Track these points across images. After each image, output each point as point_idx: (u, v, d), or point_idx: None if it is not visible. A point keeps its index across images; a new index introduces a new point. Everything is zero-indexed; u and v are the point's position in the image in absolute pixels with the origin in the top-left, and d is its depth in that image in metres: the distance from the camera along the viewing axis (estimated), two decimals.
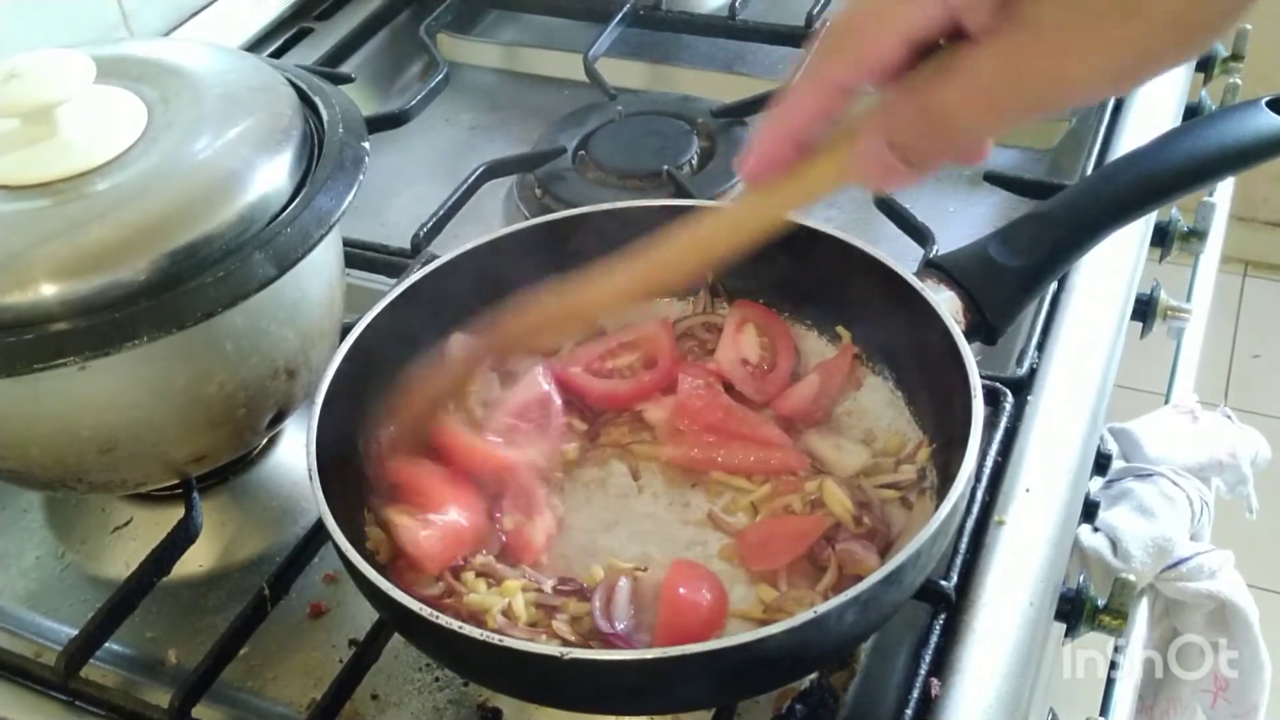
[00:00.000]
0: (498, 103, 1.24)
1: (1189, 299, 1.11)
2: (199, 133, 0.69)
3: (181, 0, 1.19)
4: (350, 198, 0.70)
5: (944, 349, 0.69)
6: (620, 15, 1.20)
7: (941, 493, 0.65)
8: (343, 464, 0.70)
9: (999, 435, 0.76)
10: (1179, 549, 0.96)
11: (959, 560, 0.69)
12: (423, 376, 0.72)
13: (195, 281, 0.64)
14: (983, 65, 0.48)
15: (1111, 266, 0.91)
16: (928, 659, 0.65)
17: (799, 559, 0.68)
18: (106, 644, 0.70)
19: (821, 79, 0.53)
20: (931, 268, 0.74)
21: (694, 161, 1.06)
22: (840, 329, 0.79)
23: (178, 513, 0.75)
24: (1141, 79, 0.49)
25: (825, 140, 0.55)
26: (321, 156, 0.72)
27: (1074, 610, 0.77)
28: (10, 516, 0.83)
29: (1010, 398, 0.78)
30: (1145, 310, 1.00)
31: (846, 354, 0.78)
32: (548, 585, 0.66)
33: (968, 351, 0.67)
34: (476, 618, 0.63)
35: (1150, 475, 0.99)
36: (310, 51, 1.23)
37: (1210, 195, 1.13)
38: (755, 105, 1.09)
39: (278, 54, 1.24)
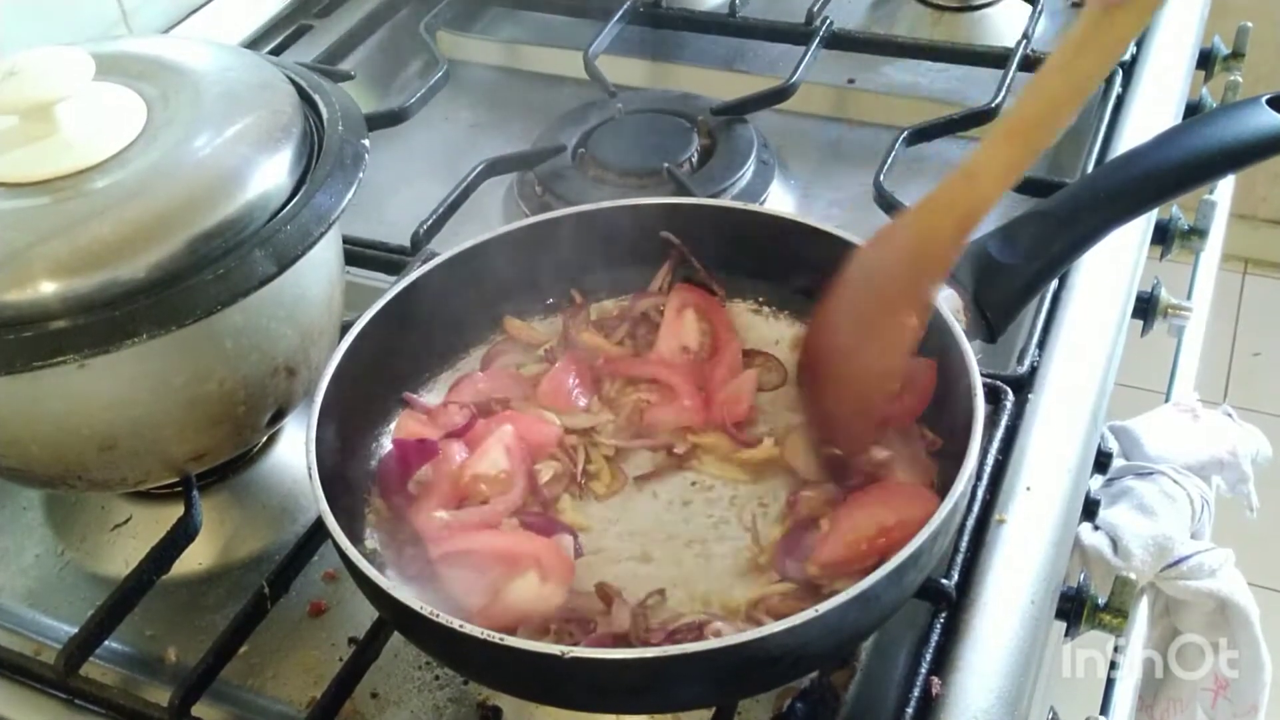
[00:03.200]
0: (498, 100, 1.24)
1: (1189, 297, 1.11)
2: (198, 130, 0.69)
3: None
4: (350, 195, 0.70)
5: (944, 347, 0.69)
6: (620, 12, 1.20)
7: (942, 491, 0.65)
8: (343, 462, 0.70)
9: (1000, 434, 0.76)
10: (1179, 547, 0.95)
11: (960, 559, 0.69)
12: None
13: (195, 279, 0.64)
14: None
15: (1112, 264, 0.91)
16: (928, 657, 0.65)
17: None
18: (106, 642, 0.70)
19: None
20: None
21: (694, 159, 1.06)
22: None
23: (177, 510, 0.75)
24: None
25: None
26: (321, 154, 0.72)
27: (1074, 609, 0.77)
28: (10, 514, 0.83)
29: (1011, 396, 0.78)
30: (1146, 308, 0.99)
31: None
32: None
33: (968, 349, 0.67)
34: None
35: (1151, 473, 0.99)
36: (310, 49, 1.22)
37: (1211, 193, 1.13)
38: (755, 103, 1.09)
39: (277, 51, 1.24)
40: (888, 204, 0.95)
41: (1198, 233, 1.07)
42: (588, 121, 1.11)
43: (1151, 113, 1.05)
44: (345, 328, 0.73)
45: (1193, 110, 1.13)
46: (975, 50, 1.14)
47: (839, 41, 1.16)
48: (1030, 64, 1.11)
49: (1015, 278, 0.73)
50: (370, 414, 0.76)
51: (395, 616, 0.62)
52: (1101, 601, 0.77)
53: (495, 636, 0.56)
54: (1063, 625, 0.78)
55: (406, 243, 0.94)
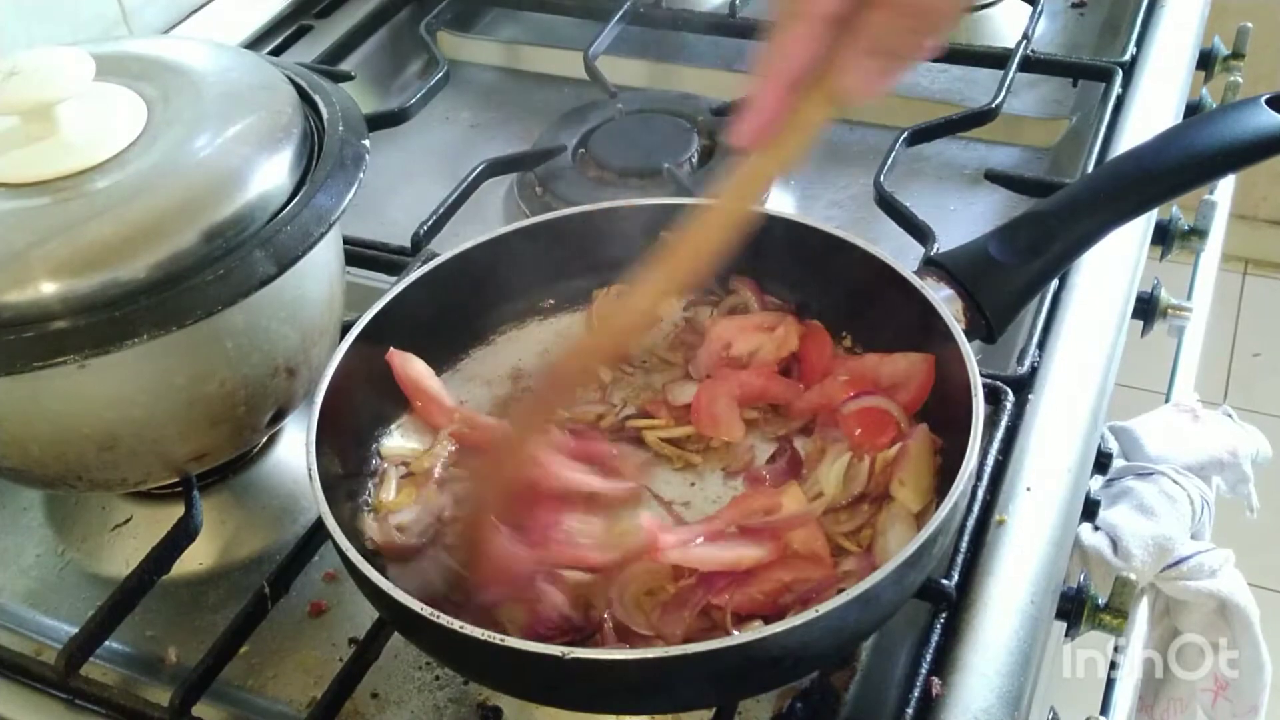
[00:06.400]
0: (498, 101, 1.24)
1: (1189, 297, 1.11)
2: (199, 131, 0.69)
3: None
4: (350, 196, 0.70)
5: (944, 347, 0.69)
6: (620, 13, 1.20)
7: (942, 491, 0.65)
8: (343, 462, 0.70)
9: (1000, 434, 0.76)
10: (1179, 548, 0.96)
11: (960, 559, 0.69)
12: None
13: (195, 280, 0.64)
14: None
15: (1112, 265, 0.91)
16: (929, 658, 0.65)
17: None
18: (107, 642, 0.70)
19: (807, 14, 0.56)
20: (931, 266, 0.74)
21: (694, 159, 1.06)
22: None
23: (178, 511, 0.75)
24: None
25: (809, 78, 0.58)
26: (321, 154, 0.72)
27: (1074, 609, 0.77)
28: (10, 515, 0.83)
29: (1011, 396, 0.78)
30: (1146, 309, 0.99)
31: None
32: None
33: (968, 350, 0.67)
34: None
35: (1151, 474, 0.99)
36: (310, 49, 1.23)
37: (1211, 193, 1.13)
38: None
39: (277, 52, 1.24)
40: (888, 204, 0.95)
41: (1198, 233, 1.07)
42: (588, 122, 1.11)
43: (1151, 113, 1.05)
44: (346, 328, 0.73)
45: (1193, 110, 1.13)
46: (975, 50, 1.14)
47: None
48: (1030, 64, 1.11)
49: (1015, 278, 0.73)
50: (370, 415, 0.76)
51: (395, 617, 0.62)
52: (1101, 602, 0.77)
53: (495, 637, 0.56)
54: (1063, 625, 0.78)
55: (407, 243, 0.94)
